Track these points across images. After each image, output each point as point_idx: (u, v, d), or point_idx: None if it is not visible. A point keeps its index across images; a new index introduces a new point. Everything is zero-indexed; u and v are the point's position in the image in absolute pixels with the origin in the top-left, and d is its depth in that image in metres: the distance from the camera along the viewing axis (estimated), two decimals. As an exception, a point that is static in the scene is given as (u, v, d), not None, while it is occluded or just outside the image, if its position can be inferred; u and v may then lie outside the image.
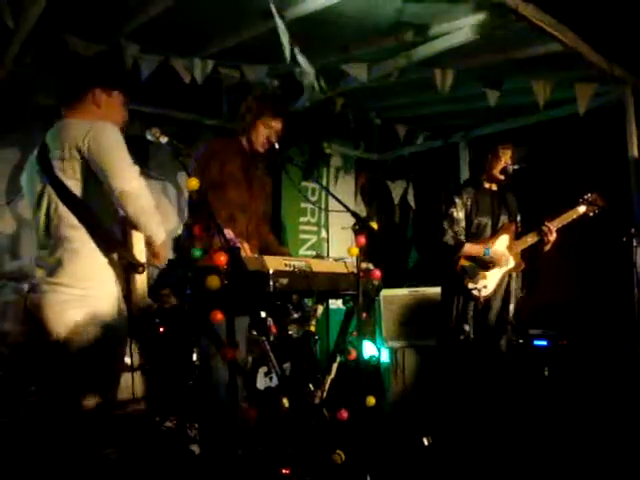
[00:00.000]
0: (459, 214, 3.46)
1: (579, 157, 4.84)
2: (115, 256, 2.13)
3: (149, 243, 2.22)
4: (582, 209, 3.51)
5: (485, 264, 3.39)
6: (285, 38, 3.14)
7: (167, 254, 2.36)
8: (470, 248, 3.41)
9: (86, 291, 2.09)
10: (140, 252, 2.19)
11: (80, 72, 2.36)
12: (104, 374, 2.13)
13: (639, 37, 3.66)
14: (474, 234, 3.49)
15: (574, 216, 3.49)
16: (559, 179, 4.84)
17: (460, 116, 5.23)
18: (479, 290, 3.36)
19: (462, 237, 3.45)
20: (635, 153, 4.06)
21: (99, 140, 2.09)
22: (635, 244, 3.68)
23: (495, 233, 3.50)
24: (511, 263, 3.43)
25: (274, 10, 3.08)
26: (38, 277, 2.16)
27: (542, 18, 3.28)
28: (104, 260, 2.13)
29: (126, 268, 2.14)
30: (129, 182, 2.08)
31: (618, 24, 3.59)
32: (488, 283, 3.40)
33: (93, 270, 2.11)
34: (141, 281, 2.17)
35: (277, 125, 2.93)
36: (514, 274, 3.51)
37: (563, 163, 4.96)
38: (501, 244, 3.46)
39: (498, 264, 3.39)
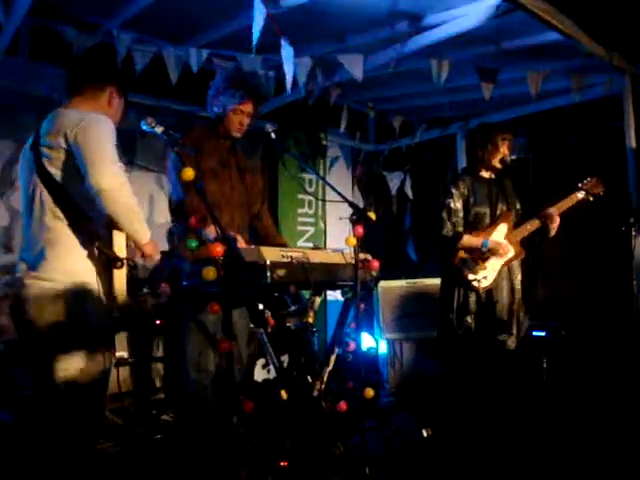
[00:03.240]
0: (456, 204, 3.41)
1: (578, 147, 4.83)
2: (95, 250, 2.09)
3: (134, 242, 2.17)
4: (581, 195, 3.47)
5: (484, 254, 3.35)
6: (257, 29, 3.05)
7: (157, 252, 2.28)
8: (469, 239, 3.37)
9: (68, 285, 2.06)
10: (120, 247, 2.14)
11: (105, 67, 2.34)
12: (91, 368, 2.09)
13: (638, 26, 3.64)
14: (472, 224, 3.43)
15: (573, 202, 3.45)
16: (558, 168, 4.82)
17: (458, 106, 5.20)
18: (479, 281, 3.32)
19: (460, 228, 3.41)
20: (633, 143, 4.05)
21: (87, 132, 2.04)
22: (634, 233, 3.67)
23: (493, 222, 3.45)
24: (511, 252, 3.38)
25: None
26: (22, 271, 2.13)
27: (541, 6, 3.25)
28: (85, 253, 2.09)
29: (106, 263, 2.11)
30: (107, 180, 2.02)
31: (617, 13, 3.56)
32: (488, 274, 3.35)
33: (74, 263, 2.08)
34: (119, 277, 2.13)
35: (247, 108, 2.82)
36: (517, 266, 3.47)
37: (562, 153, 4.94)
38: (499, 233, 3.42)
39: (497, 255, 3.34)
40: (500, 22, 3.40)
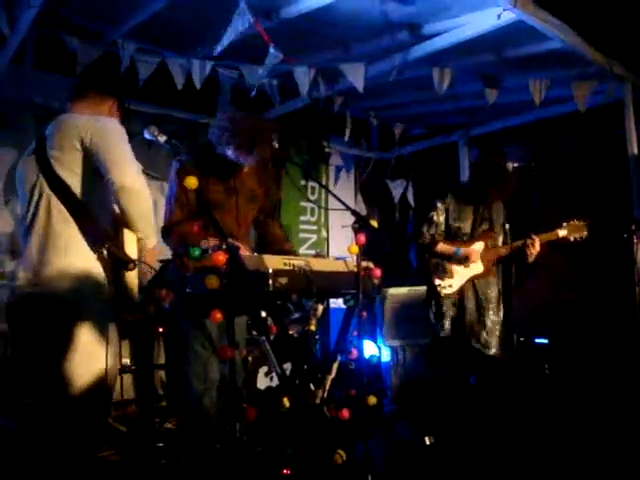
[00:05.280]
0: (439, 218, 3.58)
1: (580, 154, 4.83)
2: (105, 252, 2.06)
3: (141, 245, 2.17)
4: (562, 233, 3.54)
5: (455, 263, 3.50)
6: (233, 33, 3.05)
7: (155, 259, 2.28)
8: (443, 246, 3.53)
9: (73, 292, 2.03)
10: (132, 249, 2.15)
11: (111, 79, 2.35)
12: (97, 375, 2.08)
13: (638, 35, 3.65)
14: (451, 237, 3.58)
15: (553, 238, 3.53)
16: (560, 176, 4.83)
17: (460, 114, 5.22)
18: (444, 287, 3.49)
19: (439, 238, 3.56)
20: (635, 150, 4.05)
21: (104, 133, 2.06)
22: (635, 241, 3.67)
23: (471, 239, 3.58)
24: (479, 268, 3.51)
25: (244, 6, 2.98)
26: (21, 278, 2.09)
27: (541, 16, 3.27)
28: (93, 256, 2.06)
29: (116, 265, 2.08)
30: (130, 177, 2.04)
31: (617, 22, 3.58)
32: (454, 282, 3.50)
33: (81, 267, 2.05)
34: (131, 278, 2.13)
35: (259, 158, 2.68)
36: (495, 281, 3.57)
37: (564, 160, 4.95)
38: (475, 248, 3.55)
39: (469, 261, 3.47)
40: (501, 30, 3.41)
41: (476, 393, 3.45)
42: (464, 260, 3.47)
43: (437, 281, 3.51)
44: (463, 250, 3.47)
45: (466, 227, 3.58)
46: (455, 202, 3.60)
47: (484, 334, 3.45)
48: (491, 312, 3.50)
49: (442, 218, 3.58)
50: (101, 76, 2.40)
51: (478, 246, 3.54)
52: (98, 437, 2.15)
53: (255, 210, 2.92)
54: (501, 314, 3.53)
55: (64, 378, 2.04)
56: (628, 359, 3.84)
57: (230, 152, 2.67)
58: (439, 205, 3.58)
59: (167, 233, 2.68)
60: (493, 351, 3.43)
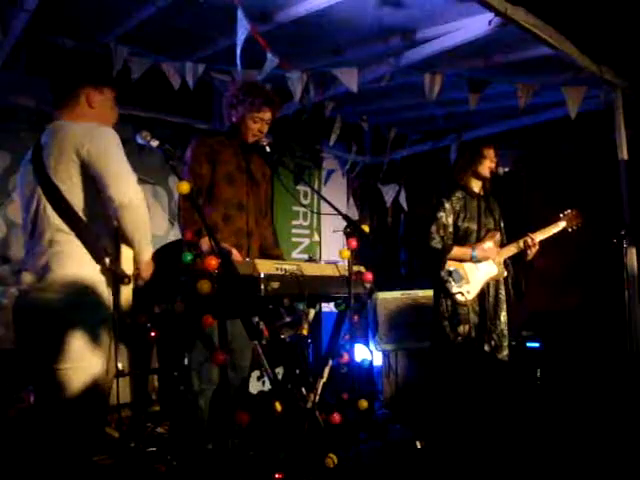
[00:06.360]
0: (448, 220, 3.44)
1: (571, 159, 4.86)
2: (102, 264, 2.09)
3: (137, 258, 2.18)
4: (562, 224, 3.62)
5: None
6: (240, 44, 3.08)
7: (149, 273, 2.28)
8: (458, 251, 3.41)
9: (75, 296, 2.05)
10: (128, 263, 2.16)
11: (70, 72, 2.33)
12: (92, 382, 2.08)
13: (629, 41, 3.69)
14: (460, 239, 3.47)
15: (555, 230, 3.59)
16: (551, 181, 4.86)
17: (452, 118, 5.24)
18: (462, 294, 3.36)
19: (449, 242, 3.44)
20: (625, 156, 4.08)
21: (99, 145, 2.06)
22: (625, 246, 3.71)
23: (479, 240, 3.49)
24: (494, 270, 3.46)
25: (241, 15, 3.01)
26: (25, 282, 2.11)
27: (532, 22, 3.30)
28: (92, 266, 2.09)
29: (113, 278, 2.10)
30: (128, 194, 2.05)
31: (608, 28, 3.61)
32: (471, 288, 3.40)
33: (82, 275, 2.07)
34: (126, 292, 2.14)
35: (266, 116, 2.86)
36: (503, 282, 3.52)
37: (555, 165, 4.98)
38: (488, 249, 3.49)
39: (489, 259, 3.41)
40: (492, 36, 3.44)
41: (469, 397, 3.45)
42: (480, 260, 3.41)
43: (455, 289, 3.34)
44: (479, 252, 3.39)
45: (474, 226, 3.47)
46: (461, 198, 3.48)
47: (495, 337, 3.40)
48: (503, 313, 3.45)
49: (450, 219, 3.43)
50: (63, 76, 2.32)
51: (488, 247, 3.46)
52: (93, 442, 2.15)
53: (259, 200, 2.98)
54: (506, 315, 3.48)
55: (61, 383, 2.05)
56: (619, 362, 3.87)
57: (237, 114, 2.84)
58: (447, 205, 3.44)
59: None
60: (504, 353, 3.40)
